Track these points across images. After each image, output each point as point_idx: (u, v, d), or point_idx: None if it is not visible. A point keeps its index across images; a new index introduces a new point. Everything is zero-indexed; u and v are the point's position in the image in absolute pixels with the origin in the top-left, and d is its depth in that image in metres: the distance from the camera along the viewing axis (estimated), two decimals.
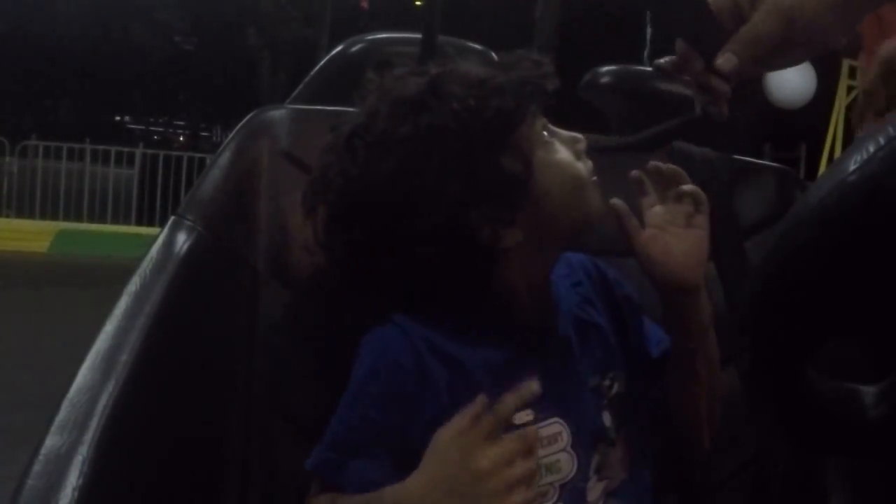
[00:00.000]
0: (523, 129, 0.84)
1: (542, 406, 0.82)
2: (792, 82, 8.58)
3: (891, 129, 0.42)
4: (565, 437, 0.84)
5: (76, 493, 0.66)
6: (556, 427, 0.84)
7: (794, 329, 0.46)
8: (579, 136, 0.89)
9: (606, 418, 0.88)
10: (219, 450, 0.93)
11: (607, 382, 0.90)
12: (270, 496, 0.95)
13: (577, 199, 0.86)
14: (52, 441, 0.70)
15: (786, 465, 1.14)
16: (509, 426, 0.78)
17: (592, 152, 1.21)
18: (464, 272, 0.84)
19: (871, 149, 0.42)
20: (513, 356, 0.85)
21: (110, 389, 0.75)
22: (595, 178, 0.88)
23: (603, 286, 0.97)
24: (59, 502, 0.65)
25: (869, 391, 0.47)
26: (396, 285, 0.86)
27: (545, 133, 0.87)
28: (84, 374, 0.77)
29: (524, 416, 0.81)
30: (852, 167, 0.42)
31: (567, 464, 0.84)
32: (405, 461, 0.79)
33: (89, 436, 0.71)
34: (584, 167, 0.87)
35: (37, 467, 0.68)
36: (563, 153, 0.86)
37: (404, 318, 0.85)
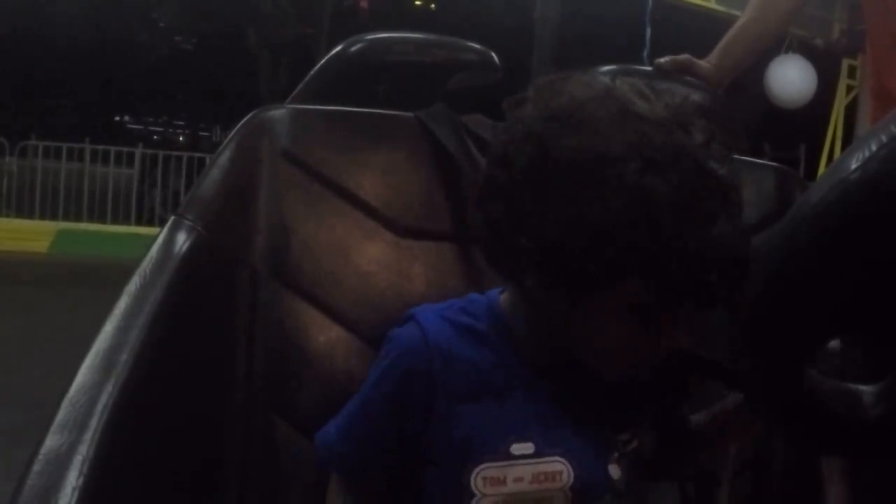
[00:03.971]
0: None
1: (546, 441, 0.81)
2: (792, 82, 8.59)
3: (892, 128, 0.42)
4: (564, 478, 0.81)
5: (76, 493, 0.66)
6: (556, 465, 0.81)
7: (794, 328, 0.46)
8: None
9: (614, 471, 0.84)
10: (219, 449, 0.93)
11: (625, 437, 0.86)
12: (270, 496, 0.95)
13: None
14: (51, 441, 0.70)
15: (786, 465, 1.15)
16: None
17: None
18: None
19: (873, 148, 0.42)
20: (531, 379, 0.84)
21: (110, 389, 0.75)
22: None
23: None
24: (59, 502, 0.65)
25: (868, 391, 0.47)
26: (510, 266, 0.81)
27: None
28: (84, 374, 0.77)
29: (524, 447, 0.81)
30: (854, 166, 0.42)
31: (560, 503, 0.82)
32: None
33: (89, 436, 0.71)
34: None
35: (36, 467, 0.68)
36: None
37: (431, 318, 0.85)
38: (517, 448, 0.80)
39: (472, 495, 0.80)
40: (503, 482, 0.80)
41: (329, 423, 0.89)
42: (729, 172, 0.74)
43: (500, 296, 0.88)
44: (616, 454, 0.85)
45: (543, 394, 0.83)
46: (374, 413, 0.85)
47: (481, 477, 0.80)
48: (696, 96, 0.80)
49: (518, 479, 0.80)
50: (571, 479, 0.81)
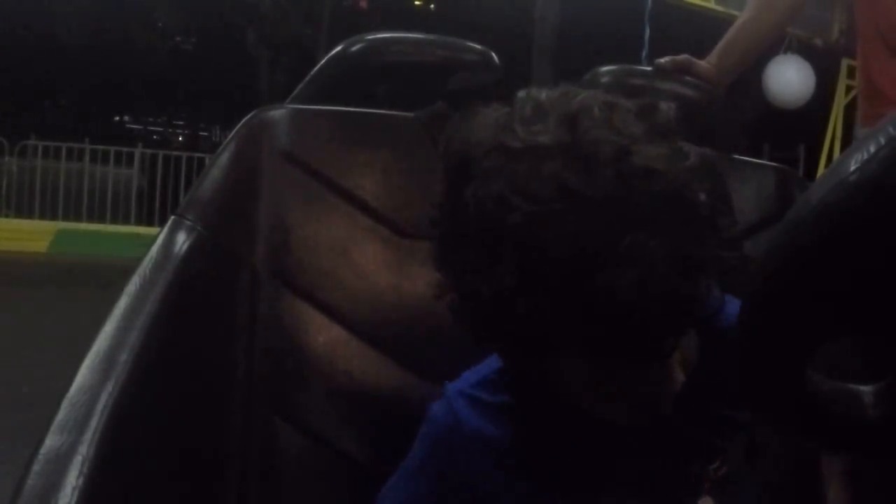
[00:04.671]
0: None
1: (620, 482, 0.77)
2: (791, 82, 8.59)
3: (892, 129, 0.42)
4: None
5: (76, 493, 0.66)
6: None
7: (793, 329, 0.46)
8: None
9: (707, 502, 0.79)
10: (219, 449, 0.93)
11: (715, 465, 0.79)
12: (270, 495, 0.95)
13: None
14: (51, 441, 0.70)
15: (785, 465, 1.14)
16: None
17: None
18: None
19: (872, 148, 0.42)
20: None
21: (110, 389, 0.75)
22: None
23: None
24: (59, 502, 0.65)
25: (869, 391, 0.47)
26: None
27: None
28: (84, 374, 0.77)
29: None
30: (853, 167, 0.42)
31: None
32: None
33: (89, 436, 0.71)
34: None
35: (36, 467, 0.68)
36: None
37: (463, 400, 0.80)
38: None
39: None
40: None
41: (385, 490, 0.85)
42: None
43: None
44: (706, 485, 0.79)
45: (616, 450, 0.77)
46: (418, 492, 0.82)
47: None
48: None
49: None
50: None
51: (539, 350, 0.66)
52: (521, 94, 0.66)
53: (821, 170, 8.36)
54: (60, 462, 0.68)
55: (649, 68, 1.31)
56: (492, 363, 0.82)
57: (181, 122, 22.54)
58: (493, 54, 1.20)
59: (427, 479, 0.82)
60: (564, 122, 0.60)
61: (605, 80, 1.26)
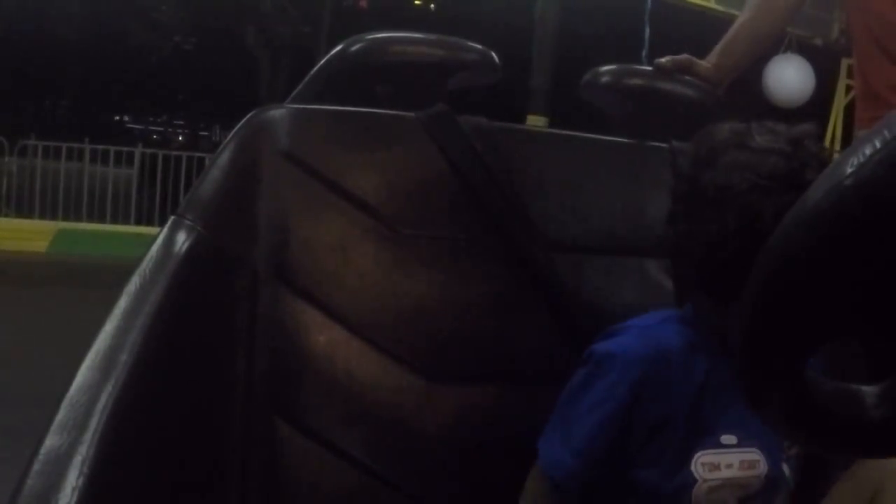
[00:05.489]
0: None
1: (746, 434, 0.93)
2: (790, 82, 8.58)
3: (887, 133, 0.42)
4: (762, 467, 0.94)
5: (76, 493, 0.66)
6: (754, 455, 0.94)
7: (792, 331, 0.46)
8: None
9: (786, 469, 0.97)
10: (219, 449, 0.93)
11: (787, 443, 0.97)
12: (271, 494, 0.95)
13: None
14: (51, 441, 0.70)
15: None
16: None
17: (588, 151, 1.21)
18: None
19: (868, 152, 0.42)
20: (733, 380, 0.91)
21: (110, 389, 0.75)
22: None
23: None
24: (59, 502, 0.65)
25: (870, 391, 0.47)
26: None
27: None
28: (84, 373, 0.77)
29: (730, 438, 0.93)
30: (848, 171, 0.42)
31: (757, 490, 0.94)
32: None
33: (89, 436, 0.71)
34: None
35: (36, 467, 0.68)
36: None
37: (649, 331, 0.95)
38: (725, 439, 0.93)
39: (694, 481, 0.91)
40: (718, 468, 0.92)
41: (550, 435, 0.95)
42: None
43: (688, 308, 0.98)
44: (785, 455, 0.97)
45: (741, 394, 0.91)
46: (605, 427, 0.92)
47: (701, 463, 0.92)
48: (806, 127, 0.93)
49: (729, 466, 0.93)
50: (766, 469, 0.94)
51: (731, 293, 0.82)
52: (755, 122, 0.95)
53: None
54: (60, 462, 0.68)
55: (649, 68, 1.31)
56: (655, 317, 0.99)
57: (181, 122, 22.55)
58: (493, 54, 1.20)
59: (618, 402, 0.92)
60: (792, 142, 0.90)
61: (605, 80, 1.26)
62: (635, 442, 0.93)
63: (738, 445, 0.93)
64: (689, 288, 0.96)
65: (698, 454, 0.92)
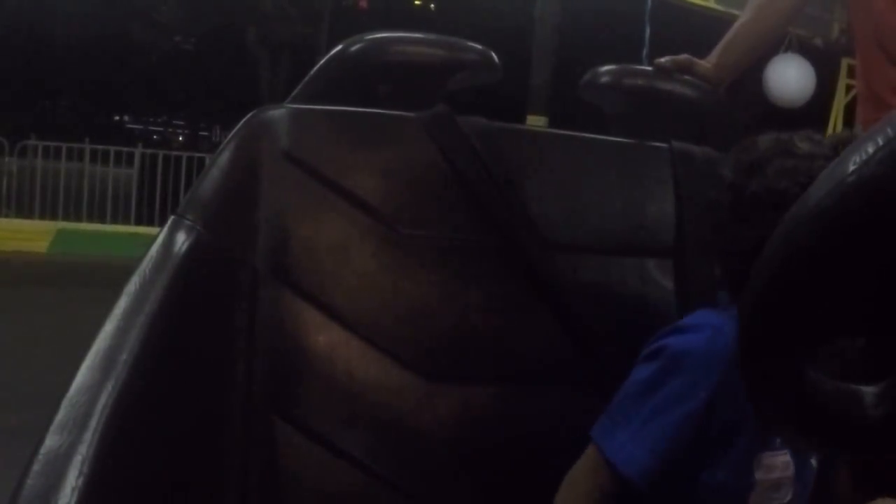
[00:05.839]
0: None
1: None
2: (791, 82, 8.58)
3: (889, 130, 0.42)
4: (792, 469, 0.97)
5: (76, 493, 0.66)
6: (786, 457, 0.97)
7: (793, 330, 0.46)
8: None
9: (813, 463, 1.01)
10: (219, 450, 0.93)
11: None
12: (271, 494, 0.95)
13: None
14: (51, 441, 0.70)
15: None
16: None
17: (588, 151, 1.21)
18: None
19: (870, 150, 0.42)
20: None
21: (110, 389, 0.75)
22: None
23: None
24: (59, 502, 0.65)
25: (870, 391, 0.47)
26: None
27: None
28: (84, 373, 0.77)
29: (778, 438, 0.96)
30: (851, 168, 0.42)
31: (786, 491, 0.97)
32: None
33: (89, 435, 0.71)
34: None
35: (36, 467, 0.68)
36: None
37: (710, 328, 0.94)
38: (778, 440, 0.95)
39: (755, 483, 0.94)
40: (771, 469, 0.96)
41: (611, 428, 0.94)
42: None
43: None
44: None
45: None
46: (682, 427, 0.92)
47: (764, 465, 0.95)
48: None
49: (779, 467, 0.96)
50: (794, 470, 0.97)
51: None
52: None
53: None
54: (60, 462, 0.68)
55: (649, 68, 1.31)
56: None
57: (181, 122, 22.54)
58: (493, 54, 1.20)
59: (697, 402, 0.92)
60: (833, 147, 0.94)
61: (604, 80, 1.26)
62: (710, 443, 0.93)
63: (783, 447, 0.96)
64: (741, 289, 0.98)
65: (762, 455, 0.94)
